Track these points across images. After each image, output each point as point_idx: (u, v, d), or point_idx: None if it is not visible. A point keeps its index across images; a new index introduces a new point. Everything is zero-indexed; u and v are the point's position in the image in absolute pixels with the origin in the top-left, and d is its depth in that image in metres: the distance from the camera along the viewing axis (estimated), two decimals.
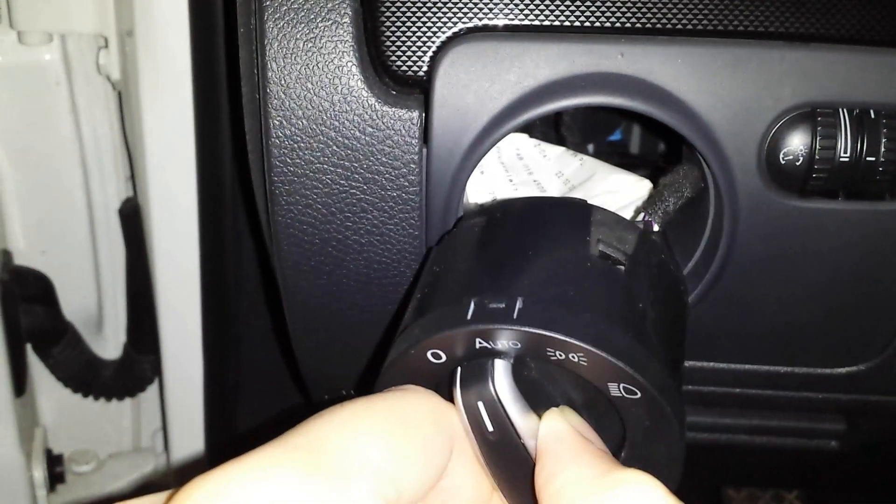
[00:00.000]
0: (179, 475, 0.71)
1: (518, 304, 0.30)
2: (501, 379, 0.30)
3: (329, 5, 0.39)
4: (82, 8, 0.64)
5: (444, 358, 0.30)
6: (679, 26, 0.39)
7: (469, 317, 0.30)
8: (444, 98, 0.38)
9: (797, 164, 0.39)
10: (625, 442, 0.31)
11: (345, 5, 0.39)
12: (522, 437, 0.29)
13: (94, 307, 0.76)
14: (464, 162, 0.39)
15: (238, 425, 0.74)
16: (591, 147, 0.54)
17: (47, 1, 0.64)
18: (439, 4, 0.39)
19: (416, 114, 0.39)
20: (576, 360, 0.29)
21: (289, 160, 0.40)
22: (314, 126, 0.39)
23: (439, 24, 0.39)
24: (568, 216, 0.35)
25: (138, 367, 0.77)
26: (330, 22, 0.39)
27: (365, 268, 0.42)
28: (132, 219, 0.71)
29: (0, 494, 0.72)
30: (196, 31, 0.56)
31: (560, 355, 0.29)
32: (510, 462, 0.30)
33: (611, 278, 0.32)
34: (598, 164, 0.44)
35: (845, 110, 0.38)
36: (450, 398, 0.30)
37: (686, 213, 0.41)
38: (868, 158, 0.38)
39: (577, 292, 0.31)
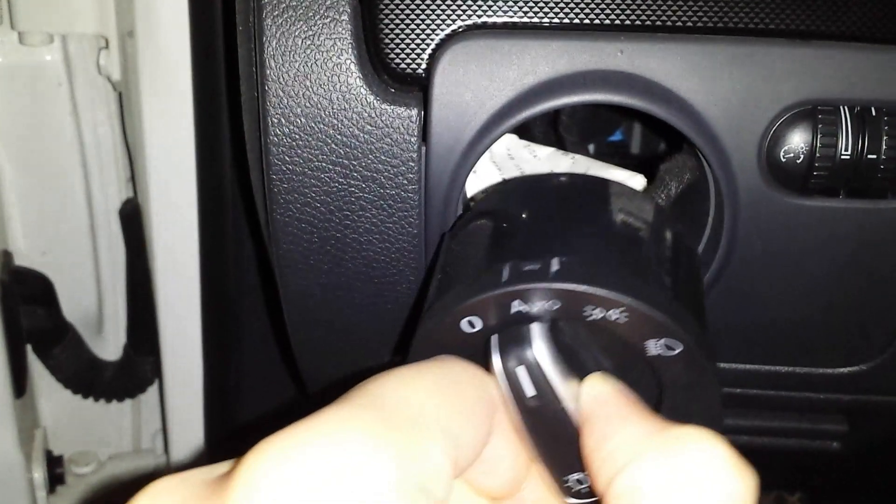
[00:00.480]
0: None
1: (554, 264, 0.29)
2: (540, 343, 0.29)
3: (327, 3, 0.38)
4: (83, 9, 0.64)
5: (478, 326, 0.30)
6: (679, 23, 0.39)
7: (505, 279, 0.29)
8: (443, 96, 0.38)
9: (798, 161, 0.39)
10: (660, 407, 0.31)
11: (343, 3, 0.38)
12: (563, 401, 0.29)
13: (94, 308, 0.76)
14: (463, 160, 0.39)
15: (238, 426, 0.74)
16: (591, 147, 0.53)
17: (48, 2, 0.64)
18: (438, 2, 0.39)
19: (414, 112, 0.39)
20: (615, 317, 0.29)
21: (287, 158, 0.40)
22: (313, 124, 0.39)
23: (438, 22, 0.39)
24: (586, 188, 0.35)
25: (138, 369, 0.76)
26: (328, 20, 0.39)
27: (364, 266, 0.42)
28: (132, 219, 0.71)
29: (0, 496, 0.72)
30: (196, 31, 0.56)
31: (599, 314, 0.29)
32: (551, 428, 0.29)
33: (636, 242, 0.32)
34: (590, 162, 0.44)
35: (846, 108, 0.38)
36: (485, 369, 0.29)
37: (686, 212, 0.41)
38: (869, 156, 0.38)
39: (608, 254, 0.31)
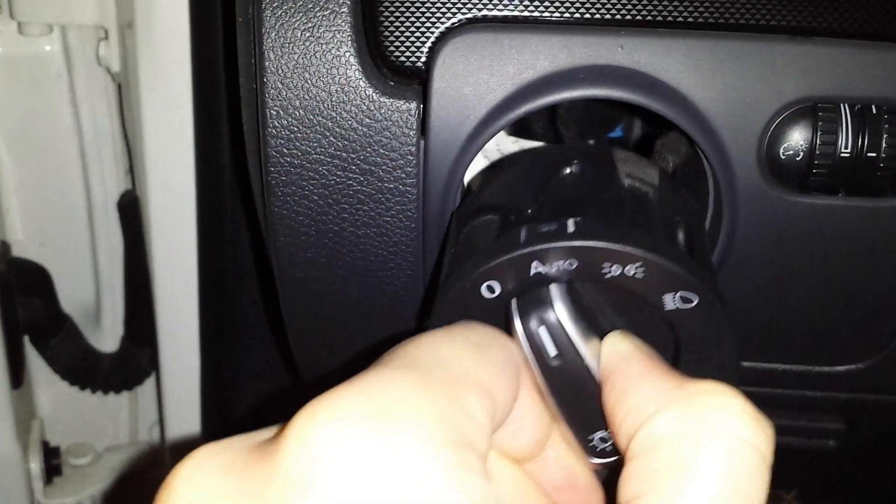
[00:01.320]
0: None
1: (570, 225, 0.30)
2: (560, 303, 0.30)
3: None
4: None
5: (497, 291, 0.30)
6: (679, 19, 0.38)
7: (523, 240, 0.30)
8: (443, 89, 0.38)
9: (797, 159, 0.38)
10: (677, 364, 0.32)
11: None
12: (585, 359, 0.30)
13: (92, 300, 0.76)
14: (461, 154, 0.39)
15: (236, 418, 0.74)
16: (591, 143, 0.53)
17: None
18: None
19: (413, 105, 0.39)
20: (632, 272, 0.30)
21: (285, 151, 0.40)
22: (311, 116, 0.39)
23: (438, 15, 0.39)
24: (592, 156, 0.36)
25: (136, 361, 0.76)
26: (328, 12, 0.38)
27: (361, 260, 0.42)
28: (131, 211, 0.71)
29: None
30: (195, 22, 0.55)
31: (616, 270, 0.30)
32: (574, 387, 0.30)
33: (646, 203, 0.33)
34: None
35: (846, 105, 0.38)
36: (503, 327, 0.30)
37: None
38: (869, 154, 0.38)
39: (620, 214, 0.32)
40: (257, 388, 0.75)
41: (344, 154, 0.40)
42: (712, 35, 0.38)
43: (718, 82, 0.38)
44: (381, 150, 0.39)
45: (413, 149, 0.39)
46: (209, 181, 0.61)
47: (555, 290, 0.30)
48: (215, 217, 0.64)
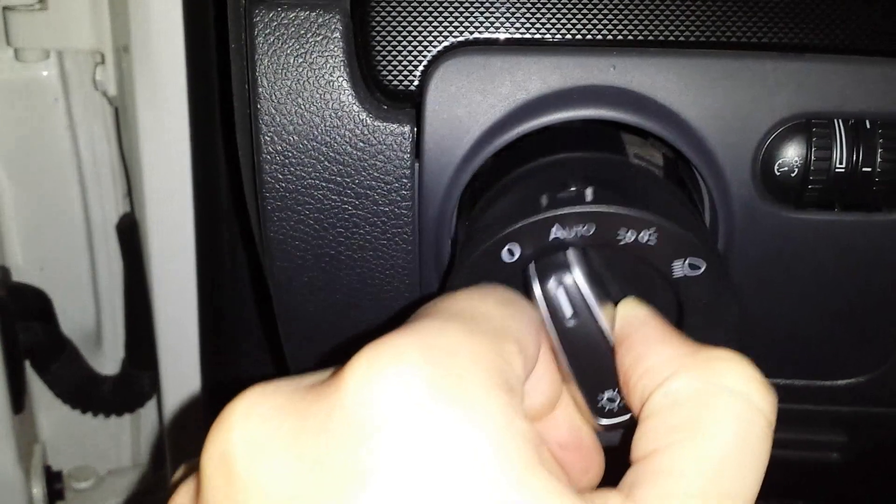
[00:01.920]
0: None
1: (588, 193, 0.32)
2: (578, 266, 0.32)
3: (319, 20, 0.38)
4: (79, 25, 0.64)
5: (516, 255, 0.32)
6: (671, 38, 0.38)
7: (544, 206, 0.32)
8: (436, 112, 0.38)
9: (792, 175, 0.38)
10: (682, 329, 0.33)
11: (335, 20, 0.38)
12: (599, 320, 0.31)
13: (92, 323, 0.76)
14: (456, 176, 0.39)
15: None
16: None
17: (44, 18, 0.64)
18: (430, 19, 0.39)
19: (407, 128, 0.39)
20: (645, 239, 0.32)
21: (280, 176, 0.40)
22: (305, 141, 0.39)
23: (430, 39, 0.39)
24: (600, 136, 0.38)
25: (137, 383, 0.76)
26: (320, 37, 0.38)
27: (358, 283, 0.42)
28: (129, 234, 0.71)
29: None
30: (190, 46, 0.56)
31: (630, 237, 0.32)
32: (586, 346, 0.31)
33: (654, 179, 0.36)
34: None
35: (840, 121, 0.38)
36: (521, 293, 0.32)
37: None
38: (864, 169, 0.38)
39: (633, 186, 0.34)
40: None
41: (339, 178, 0.40)
42: (705, 53, 0.38)
43: (712, 100, 0.38)
44: (376, 174, 0.40)
45: (408, 171, 0.39)
46: (207, 203, 0.61)
47: (572, 255, 0.32)
48: (214, 239, 0.64)
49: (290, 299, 0.43)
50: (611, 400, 0.32)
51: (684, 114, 0.38)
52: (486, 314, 0.27)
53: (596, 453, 0.33)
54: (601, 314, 0.31)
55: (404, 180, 0.39)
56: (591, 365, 0.32)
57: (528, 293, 0.32)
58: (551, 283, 0.32)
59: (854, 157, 0.38)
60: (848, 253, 0.40)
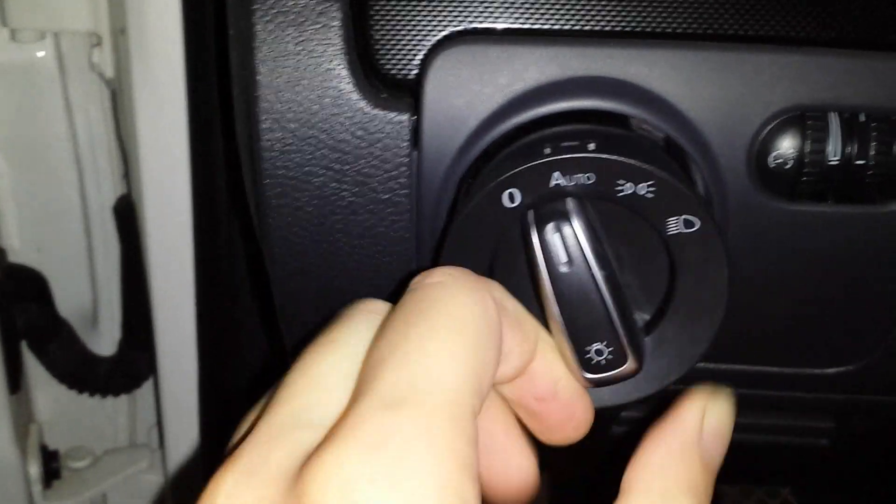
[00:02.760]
0: (175, 473, 0.71)
1: (591, 144, 0.34)
2: (576, 214, 0.33)
3: (319, 8, 0.39)
4: (75, 6, 0.63)
5: (517, 201, 0.34)
6: (668, 30, 0.39)
7: (547, 153, 0.33)
8: (434, 101, 0.38)
9: (787, 167, 0.39)
10: (673, 291, 0.35)
11: (334, 9, 0.38)
12: (593, 268, 0.33)
13: (88, 304, 0.76)
14: (454, 165, 0.39)
15: (234, 421, 0.74)
16: None
17: None
18: (429, 8, 0.39)
19: (405, 117, 0.39)
20: (643, 191, 0.33)
21: (279, 163, 0.40)
22: (304, 129, 0.39)
23: (429, 28, 0.39)
24: (605, 113, 0.39)
25: (133, 364, 0.77)
26: (319, 25, 0.39)
27: (356, 270, 0.42)
28: (126, 216, 0.71)
29: None
30: (188, 29, 0.55)
31: (629, 189, 0.33)
32: (578, 293, 0.33)
33: (656, 144, 0.37)
34: None
35: (835, 113, 0.38)
36: (518, 242, 0.34)
37: None
38: (857, 162, 0.38)
39: (634, 146, 0.35)
40: (256, 390, 0.75)
41: (337, 166, 0.40)
42: (701, 45, 0.38)
43: (707, 92, 0.38)
44: (374, 162, 0.40)
45: (406, 160, 0.40)
46: (204, 185, 0.61)
47: (571, 204, 0.33)
48: (211, 221, 0.64)
49: (287, 285, 0.43)
50: (598, 353, 0.34)
51: (680, 105, 0.38)
52: (438, 376, 0.26)
53: (579, 401, 0.34)
54: (596, 263, 0.33)
55: (402, 168, 0.40)
56: (581, 314, 0.33)
57: (525, 240, 0.33)
58: (548, 230, 0.33)
59: (847, 150, 0.38)
60: (840, 244, 0.41)
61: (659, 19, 0.39)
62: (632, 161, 0.33)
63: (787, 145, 0.39)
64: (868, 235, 0.40)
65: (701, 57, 0.38)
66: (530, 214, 0.33)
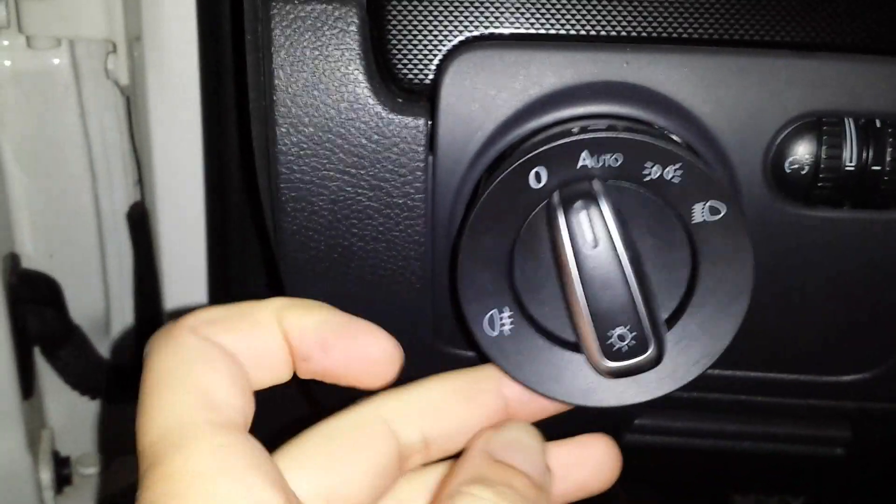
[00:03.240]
0: None
1: (619, 126, 0.34)
2: (603, 196, 0.33)
3: (336, 14, 0.39)
4: (91, 13, 0.64)
5: (543, 180, 0.34)
6: (684, 35, 0.39)
7: (575, 131, 0.34)
8: (450, 106, 0.39)
9: (803, 172, 0.39)
10: (695, 285, 0.35)
11: (351, 14, 0.39)
12: (619, 248, 0.33)
13: (101, 310, 0.77)
14: (469, 170, 0.39)
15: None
16: None
17: (56, 6, 0.64)
18: (445, 13, 0.39)
19: (421, 122, 0.39)
20: (670, 175, 0.33)
21: (295, 167, 0.40)
22: (320, 133, 0.40)
23: (445, 33, 0.39)
24: (620, 120, 0.39)
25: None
26: (337, 30, 0.39)
27: (370, 274, 0.42)
28: (140, 223, 0.71)
29: (7, 496, 0.72)
30: (204, 37, 0.56)
31: (656, 172, 0.33)
32: (602, 275, 0.33)
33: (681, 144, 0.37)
34: None
35: (851, 119, 0.38)
36: (542, 225, 0.34)
37: None
38: (873, 167, 0.38)
39: (660, 134, 0.35)
40: (265, 397, 0.75)
41: (353, 170, 0.40)
42: (717, 51, 0.38)
43: (724, 98, 0.38)
44: (390, 166, 0.40)
45: (421, 164, 0.40)
46: (218, 192, 0.62)
47: (598, 185, 0.33)
48: (224, 228, 0.64)
49: (301, 289, 0.43)
50: (621, 338, 0.34)
51: (696, 110, 0.38)
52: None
53: (366, 337, 0.35)
54: (622, 244, 0.33)
55: (418, 173, 0.40)
56: (605, 297, 0.33)
57: (550, 221, 0.33)
58: (574, 210, 0.33)
59: (864, 156, 0.38)
60: (856, 250, 0.40)
61: (675, 24, 0.39)
62: (661, 143, 0.33)
63: (803, 151, 0.39)
64: (884, 241, 0.40)
65: (717, 62, 0.38)
66: (556, 195, 0.33)
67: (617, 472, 0.38)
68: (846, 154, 0.38)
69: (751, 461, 0.58)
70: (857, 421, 0.52)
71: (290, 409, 0.72)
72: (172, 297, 0.64)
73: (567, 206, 0.33)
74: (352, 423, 0.35)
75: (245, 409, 0.32)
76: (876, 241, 0.40)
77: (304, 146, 0.40)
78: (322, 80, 0.39)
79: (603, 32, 0.39)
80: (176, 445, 0.29)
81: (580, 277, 0.33)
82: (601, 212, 0.33)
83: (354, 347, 0.34)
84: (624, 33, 0.39)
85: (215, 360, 0.32)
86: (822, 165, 0.38)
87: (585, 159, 0.33)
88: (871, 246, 0.40)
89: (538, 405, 0.37)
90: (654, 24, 0.39)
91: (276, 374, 0.34)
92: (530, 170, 0.34)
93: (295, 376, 0.35)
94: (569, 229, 0.33)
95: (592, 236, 0.33)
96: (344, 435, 0.35)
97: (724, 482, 0.74)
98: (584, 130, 0.34)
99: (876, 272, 0.41)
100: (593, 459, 0.37)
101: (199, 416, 0.30)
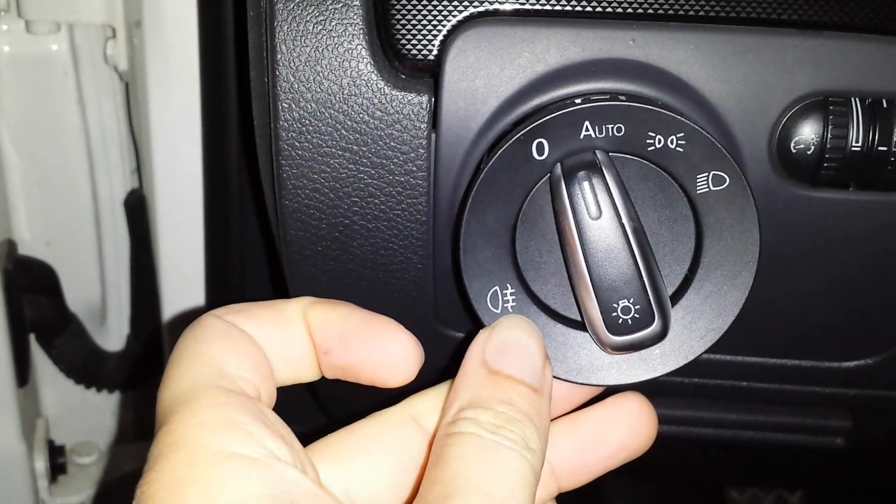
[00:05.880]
0: None
1: (622, 97, 0.34)
2: (606, 166, 0.33)
3: None
4: None
5: (546, 152, 0.33)
6: (691, 13, 0.38)
7: (578, 101, 0.33)
8: (454, 83, 0.38)
9: (808, 152, 0.38)
10: (699, 259, 0.35)
11: None
12: (622, 217, 0.33)
13: (97, 298, 0.76)
14: (472, 147, 0.39)
15: None
16: None
17: None
18: None
19: (425, 98, 0.39)
20: (674, 145, 0.33)
21: (297, 144, 0.40)
22: (323, 109, 0.39)
23: (449, 8, 0.39)
24: (625, 97, 0.39)
25: (141, 359, 0.76)
26: (340, 5, 0.38)
27: (371, 253, 0.42)
28: (137, 210, 0.71)
29: (2, 485, 0.72)
30: (204, 21, 0.55)
31: (659, 142, 0.33)
32: (606, 246, 0.33)
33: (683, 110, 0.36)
34: None
35: (857, 99, 0.38)
36: (545, 197, 0.34)
37: None
38: (880, 148, 0.38)
39: (664, 104, 0.35)
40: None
41: (355, 147, 0.40)
42: (724, 29, 0.38)
43: (730, 76, 0.38)
44: (393, 143, 0.40)
45: (424, 142, 0.39)
46: (217, 180, 0.61)
47: (601, 155, 0.33)
48: (223, 216, 0.64)
49: (302, 269, 0.43)
50: (625, 311, 0.33)
51: (702, 89, 0.38)
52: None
53: (386, 336, 0.35)
54: (626, 214, 0.33)
55: (420, 150, 0.39)
56: (608, 268, 0.33)
57: (553, 192, 0.33)
58: (577, 181, 0.33)
59: (870, 136, 0.38)
60: (861, 232, 0.40)
61: (681, 2, 0.38)
62: (663, 110, 0.33)
63: (808, 131, 0.38)
64: (891, 224, 0.40)
65: (723, 40, 0.38)
66: (559, 166, 0.33)
67: (655, 429, 0.37)
68: (852, 134, 0.38)
69: (749, 453, 0.57)
70: (858, 410, 0.52)
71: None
72: (169, 284, 0.64)
73: (569, 177, 0.33)
74: (378, 421, 0.36)
75: (260, 388, 0.32)
76: (882, 223, 0.40)
77: (306, 122, 0.39)
78: (325, 55, 0.39)
79: (609, 9, 0.38)
80: (184, 403, 0.30)
81: (583, 248, 0.33)
82: (604, 182, 0.33)
83: (374, 342, 0.34)
84: (630, 10, 0.39)
85: (235, 339, 0.32)
86: (828, 146, 0.38)
87: (588, 129, 0.33)
88: (878, 228, 0.40)
89: (571, 399, 0.37)
90: (662, 1, 0.38)
91: (299, 369, 0.35)
92: (533, 141, 0.34)
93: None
94: (571, 200, 0.33)
95: (596, 206, 0.33)
96: (369, 431, 0.35)
97: (721, 476, 0.74)
98: (586, 101, 0.34)
99: (882, 255, 0.41)
100: (628, 417, 0.37)
101: (210, 381, 0.30)
